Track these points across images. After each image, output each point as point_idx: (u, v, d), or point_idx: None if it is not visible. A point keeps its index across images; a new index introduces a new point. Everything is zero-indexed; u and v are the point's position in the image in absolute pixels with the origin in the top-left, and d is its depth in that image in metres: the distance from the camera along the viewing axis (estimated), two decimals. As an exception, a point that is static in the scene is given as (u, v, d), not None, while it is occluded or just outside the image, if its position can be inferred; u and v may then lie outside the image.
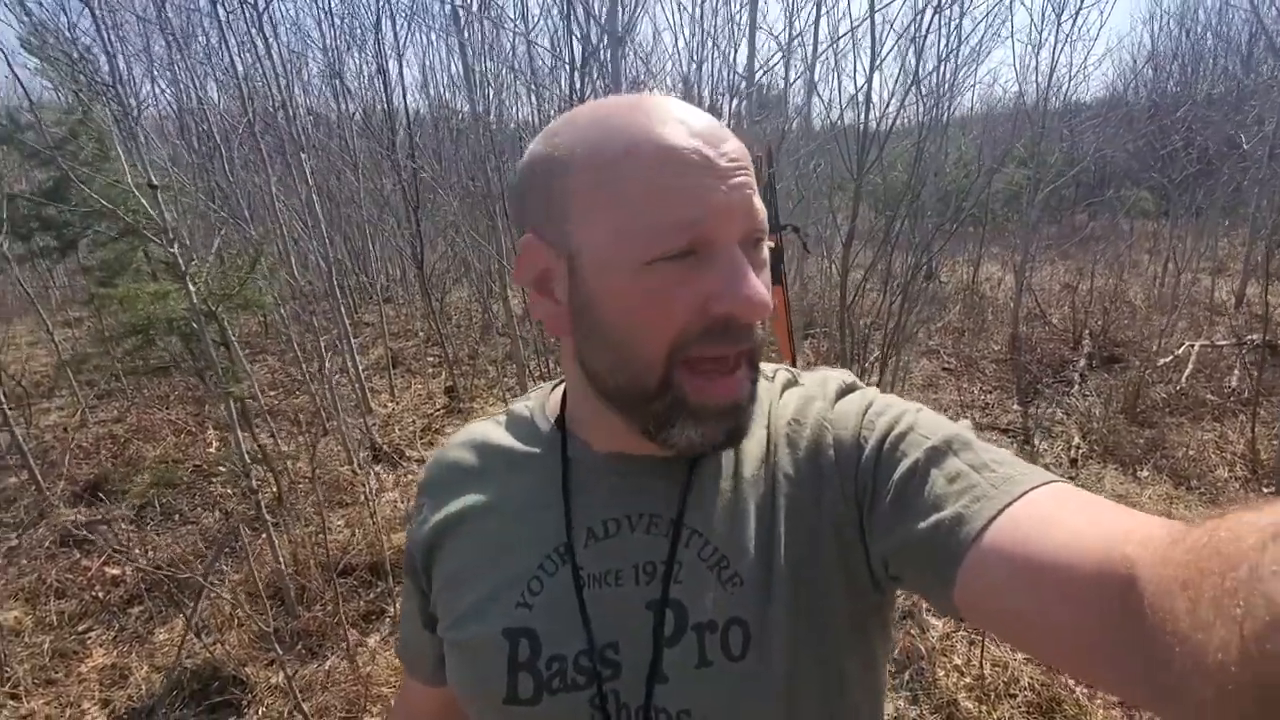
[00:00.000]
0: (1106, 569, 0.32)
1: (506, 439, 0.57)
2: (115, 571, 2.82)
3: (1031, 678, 2.09)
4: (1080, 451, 3.66)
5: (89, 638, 2.48)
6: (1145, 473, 3.44)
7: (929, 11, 3.14)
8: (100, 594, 2.67)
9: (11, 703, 2.13)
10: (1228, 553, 0.25)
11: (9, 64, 1.88)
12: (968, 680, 2.11)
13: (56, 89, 4.40)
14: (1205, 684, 0.24)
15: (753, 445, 0.51)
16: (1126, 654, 0.30)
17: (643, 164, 0.42)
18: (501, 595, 0.51)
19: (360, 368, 4.47)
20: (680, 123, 0.43)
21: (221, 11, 3.66)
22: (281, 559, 2.48)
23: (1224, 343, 4.93)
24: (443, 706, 0.65)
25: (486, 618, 0.50)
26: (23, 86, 2.12)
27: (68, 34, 4.42)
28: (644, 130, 0.42)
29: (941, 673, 2.14)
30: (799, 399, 0.53)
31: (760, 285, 0.43)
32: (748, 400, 0.47)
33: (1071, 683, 2.09)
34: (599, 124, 0.44)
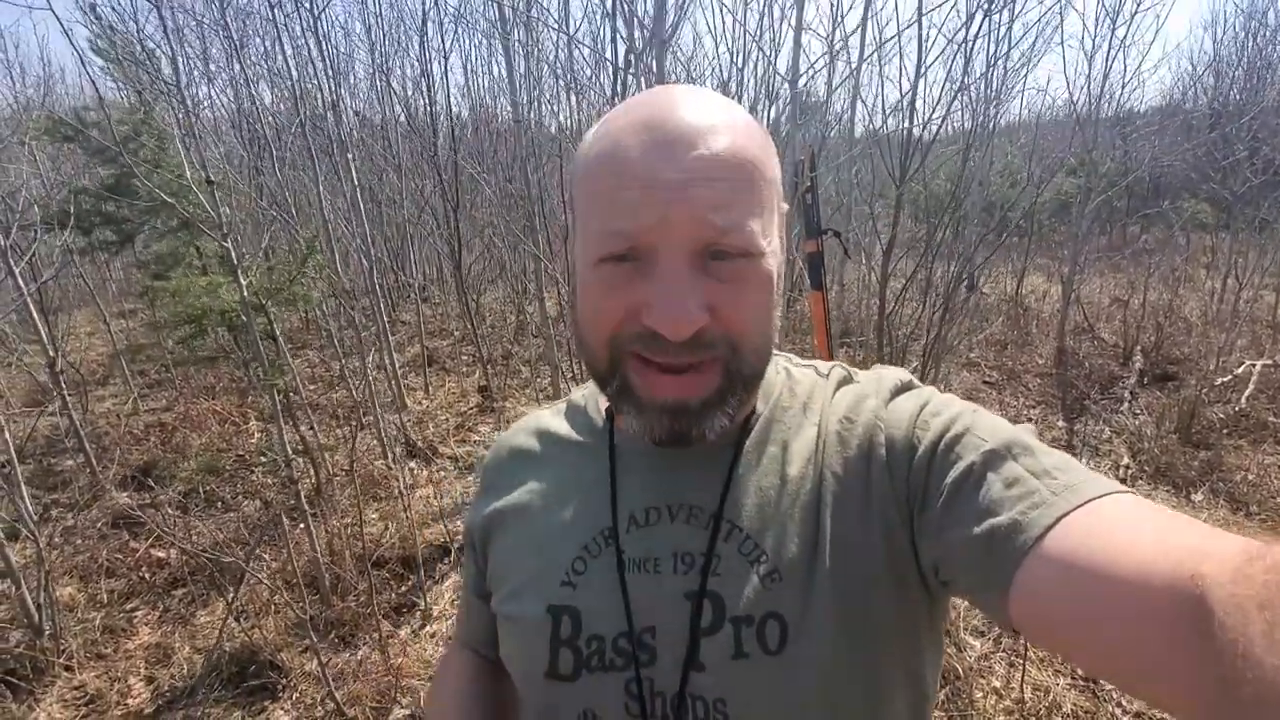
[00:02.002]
0: (1174, 584, 0.30)
1: (563, 427, 0.60)
2: (161, 554, 2.92)
3: (1075, 704, 2.01)
4: (1129, 472, 3.52)
5: (136, 616, 2.57)
6: (1200, 496, 3.29)
7: (977, 16, 3.07)
8: (147, 575, 2.77)
9: (66, 674, 2.22)
10: None
11: (82, 64, 1.98)
12: (1006, 703, 2.04)
13: (120, 89, 4.61)
14: (1276, 713, 0.23)
15: (802, 442, 0.51)
16: (1192, 674, 0.28)
17: (604, 170, 0.44)
18: (548, 573, 0.52)
19: (397, 365, 4.56)
20: (646, 129, 0.43)
21: (279, 15, 3.79)
22: (318, 549, 2.53)
23: (1288, 363, 4.68)
24: (479, 678, 0.65)
25: (533, 594, 0.52)
26: (95, 87, 2.23)
27: (136, 37, 4.63)
28: (615, 136, 0.44)
29: (979, 694, 2.07)
30: (853, 397, 0.53)
31: (687, 303, 0.42)
32: (699, 404, 0.46)
33: (1119, 711, 2.00)
34: (603, 125, 0.47)
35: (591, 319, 0.47)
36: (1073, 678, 2.12)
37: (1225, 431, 3.90)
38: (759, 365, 0.48)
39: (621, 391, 0.47)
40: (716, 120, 0.43)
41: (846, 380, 0.56)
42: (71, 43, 1.81)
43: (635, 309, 0.44)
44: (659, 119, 0.43)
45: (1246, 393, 4.19)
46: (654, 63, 1.95)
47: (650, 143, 0.42)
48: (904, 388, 0.53)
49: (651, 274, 0.43)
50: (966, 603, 0.44)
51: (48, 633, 2.27)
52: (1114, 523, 0.36)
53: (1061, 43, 12.26)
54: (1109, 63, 5.07)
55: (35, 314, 3.01)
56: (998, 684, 2.12)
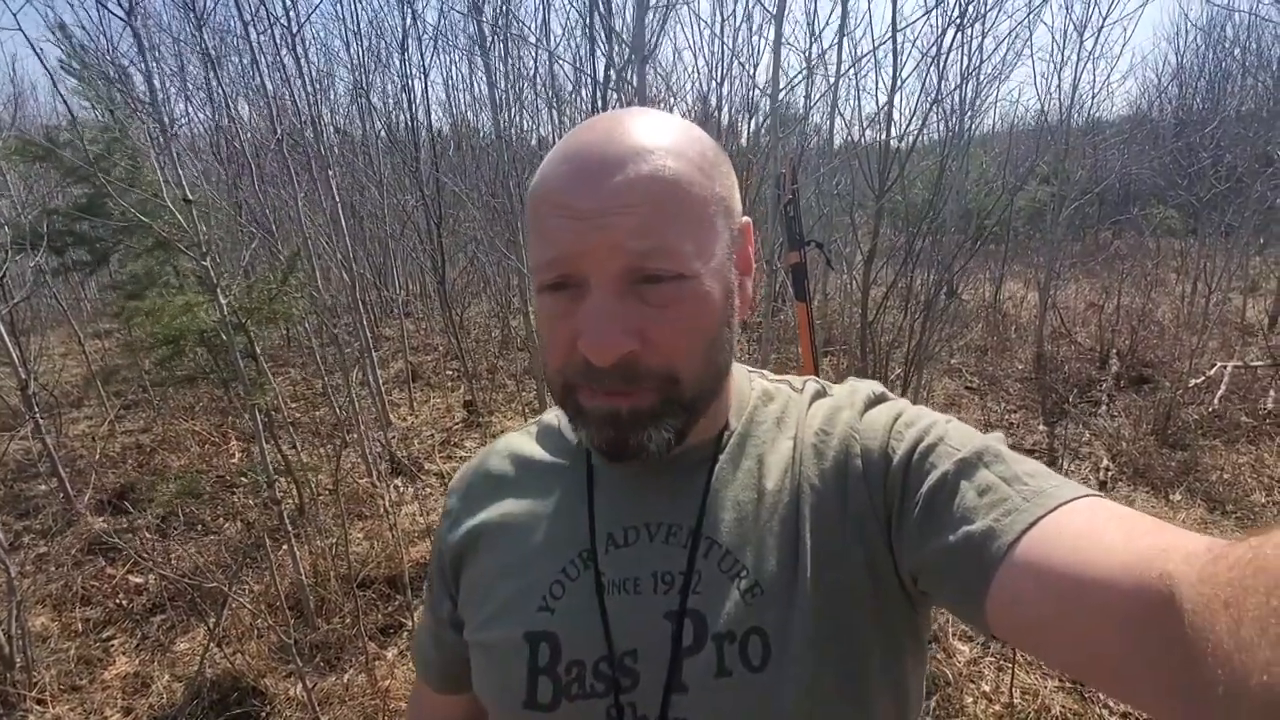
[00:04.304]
0: (1144, 585, 0.31)
1: (536, 449, 0.59)
2: (139, 580, 2.85)
3: (1063, 706, 2.03)
4: (1109, 474, 3.58)
5: (112, 645, 2.50)
6: (1178, 496, 3.35)
7: (950, 31, 3.15)
8: (124, 602, 2.70)
9: (38, 708, 2.15)
10: (1274, 569, 0.24)
11: (54, 83, 1.95)
12: (996, 708, 2.05)
13: (94, 107, 4.55)
14: (1248, 707, 0.23)
15: (778, 456, 0.51)
16: (1164, 673, 0.29)
17: (536, 201, 0.46)
18: (525, 599, 0.51)
19: (380, 381, 4.51)
20: (571, 159, 0.44)
21: (254, 33, 3.77)
22: (302, 570, 2.49)
23: (1259, 363, 4.81)
24: (453, 715, 0.65)
25: (510, 620, 0.51)
26: (67, 105, 2.20)
27: (108, 55, 4.58)
28: (546, 166, 0.46)
29: (969, 699, 2.08)
30: (828, 409, 0.53)
31: (611, 328, 0.42)
32: (629, 413, 0.46)
33: (1105, 712, 2.02)
34: (550, 153, 0.48)
35: (544, 349, 0.48)
36: (1061, 680, 2.14)
37: (1200, 432, 3.98)
38: (702, 391, 0.48)
39: (575, 413, 0.49)
40: (642, 144, 0.44)
41: (821, 394, 0.56)
42: (43, 63, 1.79)
43: (574, 337, 0.44)
44: (584, 148, 0.44)
45: (1219, 393, 4.29)
46: (634, 78, 1.97)
47: (572, 172, 0.44)
48: (877, 399, 0.54)
49: (581, 302, 0.44)
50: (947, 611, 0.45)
51: (19, 665, 2.20)
52: (1085, 526, 0.37)
53: (1032, 55, 12.56)
54: (1078, 74, 5.21)
55: (6, 335, 2.95)
56: (987, 688, 2.13)
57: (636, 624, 0.48)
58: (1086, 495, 0.40)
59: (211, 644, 2.13)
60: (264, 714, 2.12)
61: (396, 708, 2.11)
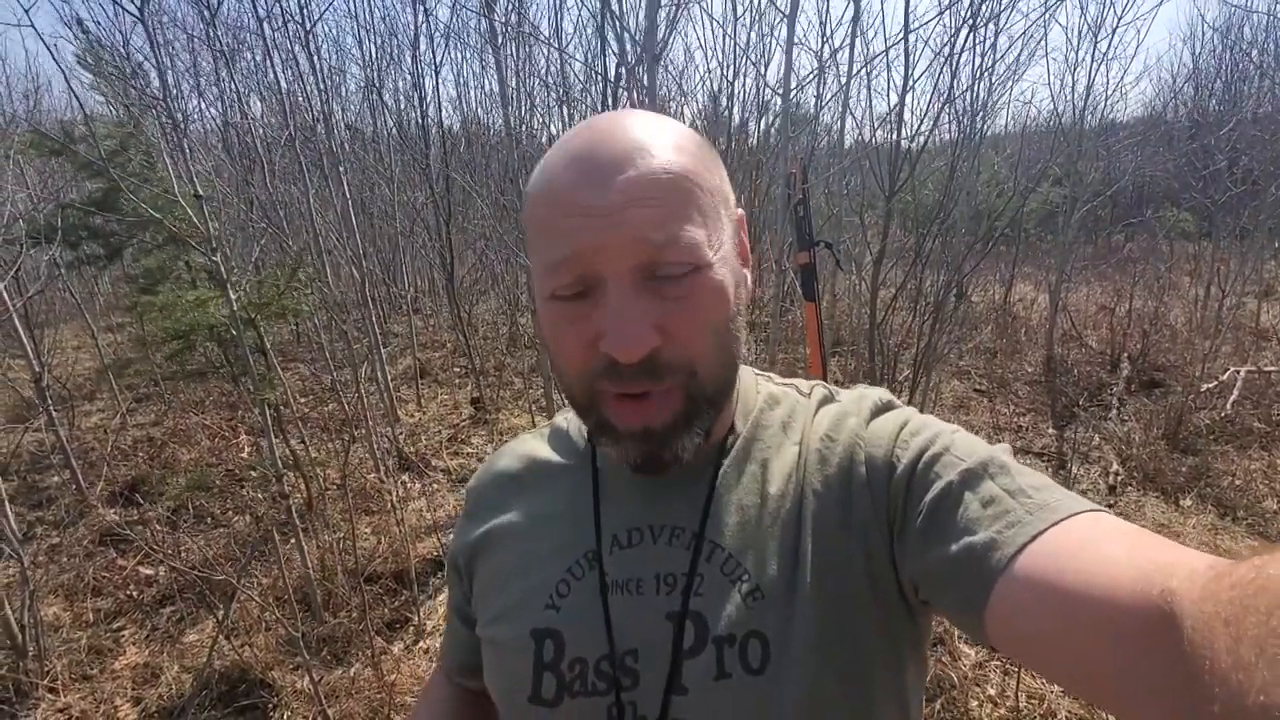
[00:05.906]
0: (1145, 601, 0.30)
1: (546, 451, 0.60)
2: (149, 571, 2.88)
3: (1069, 712, 2.01)
4: (1119, 478, 3.55)
5: (123, 636, 2.53)
6: (1188, 502, 3.32)
7: (963, 30, 3.13)
8: (134, 593, 2.73)
9: (50, 696, 2.18)
10: (1275, 590, 0.24)
11: (65, 79, 1.97)
12: (1001, 712, 2.04)
13: (109, 103, 4.60)
14: None
15: (782, 461, 0.52)
16: (1163, 691, 0.29)
17: (542, 205, 0.45)
18: (532, 597, 0.52)
19: (389, 377, 4.53)
20: (577, 159, 0.44)
21: (268, 29, 3.79)
22: (310, 565, 2.50)
23: (1272, 369, 4.75)
24: (452, 698, 0.67)
25: (517, 618, 0.52)
26: (78, 100, 2.22)
27: (122, 50, 4.62)
28: (550, 171, 0.45)
29: (974, 703, 2.07)
30: (834, 416, 0.53)
31: (637, 325, 0.42)
32: (665, 429, 0.46)
33: (1111, 718, 2.01)
34: (543, 161, 0.47)
35: (560, 355, 0.47)
36: (1067, 685, 2.13)
37: (1212, 437, 3.94)
38: (721, 383, 0.48)
39: (599, 426, 0.48)
40: (644, 139, 0.44)
41: (828, 399, 0.56)
42: (56, 60, 1.80)
43: (593, 339, 0.44)
44: (588, 148, 0.44)
45: (1231, 399, 4.24)
46: (645, 77, 1.97)
47: (581, 172, 0.43)
48: (884, 407, 0.54)
49: (599, 302, 0.43)
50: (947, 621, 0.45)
51: (31, 654, 2.23)
52: (1087, 540, 0.37)
53: (1046, 56, 12.46)
54: (1091, 75, 5.16)
55: (20, 329, 2.98)
56: (993, 692, 2.12)
57: (638, 624, 0.48)
58: (1090, 510, 0.40)
59: (220, 636, 2.15)
60: (271, 706, 2.14)
61: (402, 702, 2.12)
